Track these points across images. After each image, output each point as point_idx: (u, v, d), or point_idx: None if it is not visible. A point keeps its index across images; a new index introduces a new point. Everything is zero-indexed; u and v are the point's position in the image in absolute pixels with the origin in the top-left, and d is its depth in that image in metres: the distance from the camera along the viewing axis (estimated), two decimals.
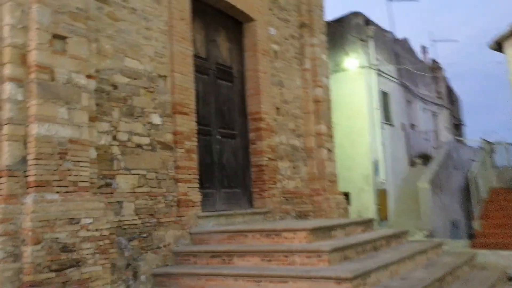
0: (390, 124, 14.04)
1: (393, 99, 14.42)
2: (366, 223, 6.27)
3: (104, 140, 4.72)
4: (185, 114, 5.75)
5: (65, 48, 4.20)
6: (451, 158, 14.35)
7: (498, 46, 9.10)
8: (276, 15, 8.19)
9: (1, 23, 4.00)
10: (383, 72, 13.94)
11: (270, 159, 7.30)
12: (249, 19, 7.44)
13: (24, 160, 3.87)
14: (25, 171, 3.86)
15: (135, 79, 5.20)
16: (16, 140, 3.87)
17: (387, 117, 13.93)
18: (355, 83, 12.93)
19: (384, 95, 13.93)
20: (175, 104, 5.64)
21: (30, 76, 3.96)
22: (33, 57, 3.97)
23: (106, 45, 4.91)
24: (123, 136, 4.94)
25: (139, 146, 5.12)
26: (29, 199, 3.75)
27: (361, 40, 13.01)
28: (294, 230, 4.84)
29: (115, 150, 4.83)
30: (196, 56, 6.48)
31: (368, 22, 13.54)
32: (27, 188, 3.83)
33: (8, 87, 3.89)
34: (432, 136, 17.10)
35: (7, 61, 3.92)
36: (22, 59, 3.97)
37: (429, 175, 12.62)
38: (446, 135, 19.83)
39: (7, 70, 3.91)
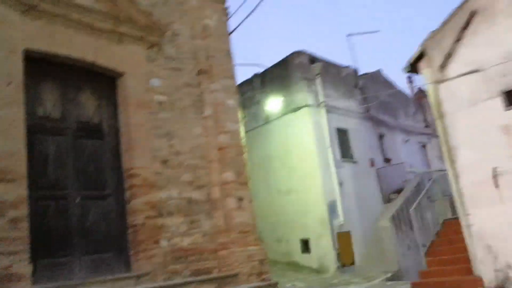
0: (352, 162, 13.30)
1: (354, 135, 13.75)
2: (222, 280, 5.62)
3: None
4: (10, 181, 5.42)
5: None
6: (426, 190, 13.30)
7: (413, 68, 8.48)
8: (162, 65, 7.91)
9: None
10: (338, 109, 13.37)
11: (148, 217, 6.81)
12: (119, 74, 7.22)
13: None
14: None
15: None
16: None
17: (347, 154, 13.24)
18: (304, 123, 12.41)
19: (342, 132, 13.29)
20: None
21: None
22: None
23: None
24: None
25: None
26: None
27: (306, 78, 12.59)
28: None
29: None
30: (45, 118, 6.26)
31: (313, 60, 13.17)
32: None
33: None
34: (418, 168, 16.15)
35: None
36: None
37: (391, 212, 11.70)
38: (438, 166, 18.72)
39: None
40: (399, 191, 14.44)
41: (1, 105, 5.59)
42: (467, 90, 7.56)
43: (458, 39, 7.65)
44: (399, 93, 17.97)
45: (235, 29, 10.15)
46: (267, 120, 13.36)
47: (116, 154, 7.04)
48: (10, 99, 5.70)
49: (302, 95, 12.43)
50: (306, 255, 12.09)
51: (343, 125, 13.31)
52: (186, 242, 7.34)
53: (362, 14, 70.76)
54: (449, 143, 7.83)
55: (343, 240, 11.81)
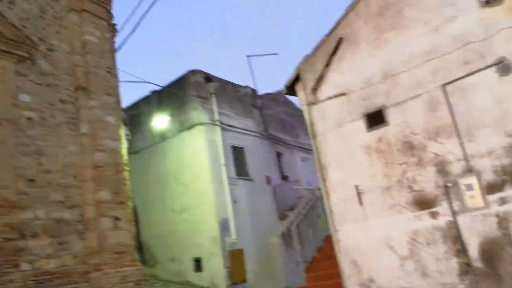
0: (248, 179, 13.52)
1: (251, 153, 13.99)
2: None
3: None
4: None
5: None
6: (316, 207, 13.80)
7: (292, 90, 8.85)
8: (34, 80, 7.64)
9: None
10: (235, 127, 13.58)
11: (7, 239, 6.46)
12: None
13: None
14: None
15: None
16: None
17: (242, 172, 13.43)
18: (198, 141, 12.46)
19: (238, 150, 13.50)
20: None
21: None
22: None
23: None
24: None
25: None
26: None
27: (201, 97, 12.69)
28: None
29: None
30: None
31: (209, 78, 13.32)
32: None
33: None
34: (315, 186, 16.71)
35: None
36: None
37: (281, 229, 12.01)
38: None
39: None
40: (294, 208, 14.88)
41: None
42: (335, 112, 8.01)
43: (327, 64, 8.11)
44: (299, 113, 18.59)
45: (121, 45, 10.06)
46: (164, 138, 13.26)
47: None
48: None
49: (197, 113, 12.50)
50: (198, 274, 12.02)
51: (239, 143, 13.52)
52: (52, 264, 7.04)
53: (262, 36, 73.74)
54: (321, 161, 8.22)
55: (235, 258, 11.89)
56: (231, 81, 14.59)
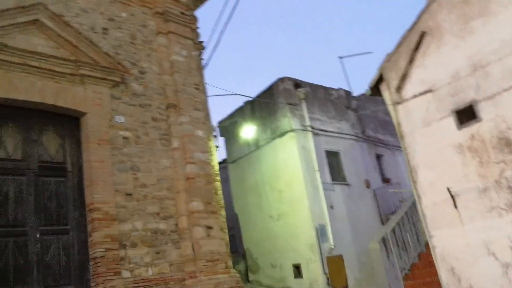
0: (345, 184, 13.24)
1: (347, 157, 13.69)
2: None
3: None
4: None
5: None
6: (416, 210, 13.06)
7: (377, 90, 8.54)
8: (128, 102, 8.29)
9: None
10: (328, 131, 13.41)
11: (109, 249, 7.06)
12: (82, 113, 7.60)
13: None
14: None
15: None
16: None
17: (338, 177, 13.19)
18: (290, 148, 12.52)
19: (332, 155, 13.29)
20: None
21: None
22: None
23: None
24: None
25: None
26: None
27: (290, 104, 12.75)
28: None
29: None
30: (6, 160, 6.68)
31: (298, 85, 13.33)
32: None
33: None
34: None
35: None
36: None
37: (381, 234, 11.54)
38: None
39: None
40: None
41: None
42: (422, 111, 7.58)
43: (411, 60, 7.72)
44: None
45: (207, 62, 10.49)
46: (258, 146, 13.55)
47: (80, 190, 7.37)
48: None
49: (287, 120, 12.57)
50: (298, 280, 12.04)
51: (333, 147, 13.31)
52: (150, 272, 7.54)
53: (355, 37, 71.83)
54: (410, 163, 7.82)
55: (334, 264, 11.68)
56: (323, 84, 14.46)
